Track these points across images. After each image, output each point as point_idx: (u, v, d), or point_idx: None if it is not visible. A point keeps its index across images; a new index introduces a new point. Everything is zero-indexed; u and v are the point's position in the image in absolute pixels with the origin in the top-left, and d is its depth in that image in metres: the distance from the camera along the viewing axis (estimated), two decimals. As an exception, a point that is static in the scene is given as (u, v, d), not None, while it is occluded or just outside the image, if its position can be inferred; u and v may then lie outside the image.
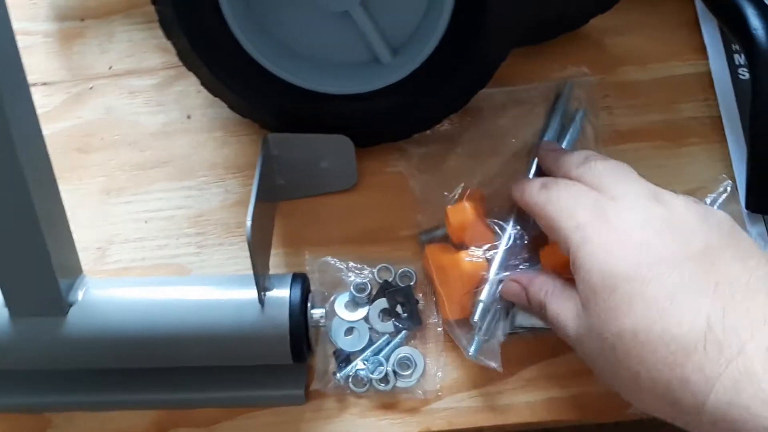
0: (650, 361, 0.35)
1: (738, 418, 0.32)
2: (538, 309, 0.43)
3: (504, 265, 0.46)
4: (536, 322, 0.45)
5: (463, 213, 0.48)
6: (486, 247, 0.47)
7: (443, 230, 0.49)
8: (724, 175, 0.50)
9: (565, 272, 0.45)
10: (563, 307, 0.40)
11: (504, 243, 0.47)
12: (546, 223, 0.42)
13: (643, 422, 0.47)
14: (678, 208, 0.39)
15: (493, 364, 0.45)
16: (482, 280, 0.47)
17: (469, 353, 0.46)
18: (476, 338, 0.46)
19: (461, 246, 0.48)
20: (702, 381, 0.33)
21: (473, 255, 0.46)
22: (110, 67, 0.56)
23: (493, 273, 0.46)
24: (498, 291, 0.46)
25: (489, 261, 0.47)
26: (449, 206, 0.49)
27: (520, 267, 0.47)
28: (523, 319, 0.46)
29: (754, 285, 0.35)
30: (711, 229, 0.38)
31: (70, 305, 0.44)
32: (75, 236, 0.50)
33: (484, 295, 0.45)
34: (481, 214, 0.49)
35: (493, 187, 0.51)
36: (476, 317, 0.45)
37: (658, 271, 0.36)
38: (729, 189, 0.49)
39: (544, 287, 0.42)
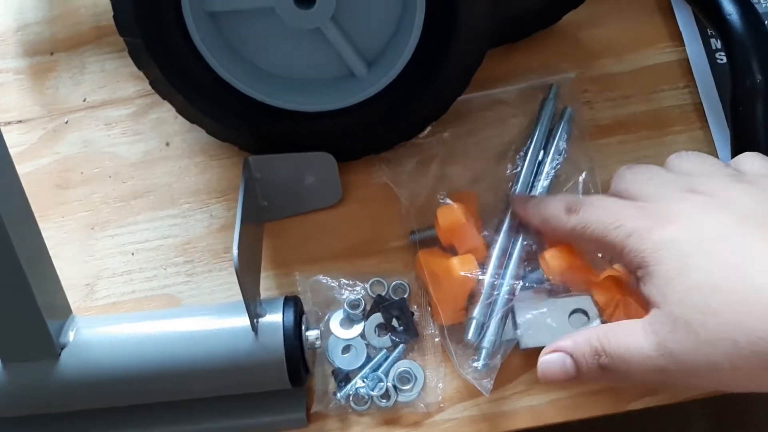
0: (745, 323, 0.34)
1: None
2: (594, 363, 0.38)
3: (496, 273, 0.46)
4: (543, 341, 0.44)
5: (452, 215, 0.48)
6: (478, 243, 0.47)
7: (432, 231, 0.49)
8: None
9: (571, 276, 0.46)
10: (627, 336, 0.38)
11: (496, 251, 0.47)
12: (593, 247, 0.42)
13: (646, 412, 0.47)
14: (717, 190, 0.38)
15: (483, 389, 0.45)
16: (475, 286, 0.47)
17: (465, 374, 0.46)
18: (479, 361, 0.45)
19: (451, 248, 0.48)
20: None
21: (465, 264, 0.46)
22: (84, 100, 0.55)
23: (486, 286, 0.46)
24: (512, 339, 0.45)
25: (481, 267, 0.47)
26: (439, 208, 0.48)
27: (517, 272, 0.47)
28: (530, 340, 0.45)
29: None
30: (758, 199, 0.38)
31: (62, 347, 0.43)
32: (62, 274, 0.50)
33: (476, 312, 0.45)
34: (474, 214, 0.49)
35: (480, 189, 0.51)
36: (470, 335, 0.45)
37: (725, 239, 0.36)
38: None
39: (592, 334, 0.39)
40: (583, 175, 0.49)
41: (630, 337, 0.38)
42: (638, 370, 0.37)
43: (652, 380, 0.39)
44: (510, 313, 0.46)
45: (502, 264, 0.47)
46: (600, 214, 0.41)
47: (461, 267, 0.46)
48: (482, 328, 0.46)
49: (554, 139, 0.51)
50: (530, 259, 0.47)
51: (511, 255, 0.47)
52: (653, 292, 0.37)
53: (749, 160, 0.42)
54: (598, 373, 0.39)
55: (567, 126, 0.51)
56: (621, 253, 0.39)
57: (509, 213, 0.48)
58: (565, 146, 0.51)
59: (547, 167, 0.50)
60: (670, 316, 0.36)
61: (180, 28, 0.44)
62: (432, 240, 0.49)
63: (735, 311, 0.34)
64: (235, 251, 0.40)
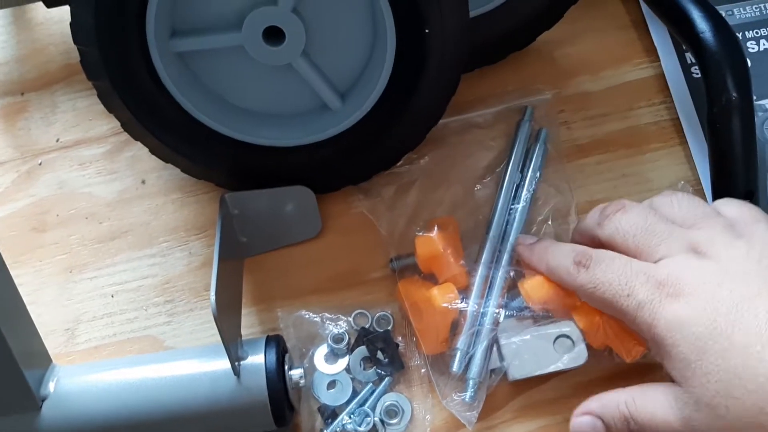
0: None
1: None
2: (625, 427, 0.40)
3: (478, 302, 0.46)
4: (530, 372, 0.45)
5: (430, 244, 0.47)
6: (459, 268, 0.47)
7: (413, 258, 0.49)
8: (682, 182, 0.50)
9: (551, 303, 0.45)
10: (652, 404, 0.39)
11: (477, 280, 0.47)
12: (602, 306, 0.42)
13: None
14: (721, 251, 0.39)
15: (467, 422, 0.45)
16: (458, 315, 0.46)
17: (449, 406, 0.45)
18: (467, 392, 0.45)
19: (431, 276, 0.48)
20: None
21: (446, 294, 0.46)
22: (57, 140, 0.54)
23: (469, 316, 0.45)
24: (476, 337, 0.45)
25: (463, 294, 0.47)
26: (417, 237, 0.48)
27: (498, 301, 0.46)
28: (517, 371, 0.45)
29: None
30: (760, 258, 0.38)
31: (43, 399, 0.43)
32: (41, 319, 0.50)
33: (460, 342, 0.45)
34: (454, 241, 0.48)
35: (459, 215, 0.50)
36: (455, 366, 0.45)
37: (735, 318, 0.37)
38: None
39: (621, 398, 0.40)
40: (559, 198, 0.49)
41: (657, 406, 0.39)
42: None
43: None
44: (494, 342, 0.46)
45: (484, 293, 0.47)
46: (610, 277, 0.41)
47: (441, 297, 0.46)
48: (467, 359, 0.45)
49: (531, 161, 0.50)
50: (511, 287, 0.47)
51: (492, 283, 0.47)
52: (673, 369, 0.38)
53: (730, 207, 0.42)
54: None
55: (543, 147, 0.51)
56: (632, 321, 0.40)
57: (488, 240, 0.48)
58: (540, 168, 0.50)
59: (524, 191, 0.50)
60: (693, 396, 0.37)
61: (148, 69, 0.43)
62: (412, 267, 0.49)
63: (758, 398, 0.35)
64: (212, 298, 0.40)
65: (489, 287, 0.47)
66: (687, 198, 0.43)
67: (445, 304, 0.45)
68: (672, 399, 0.38)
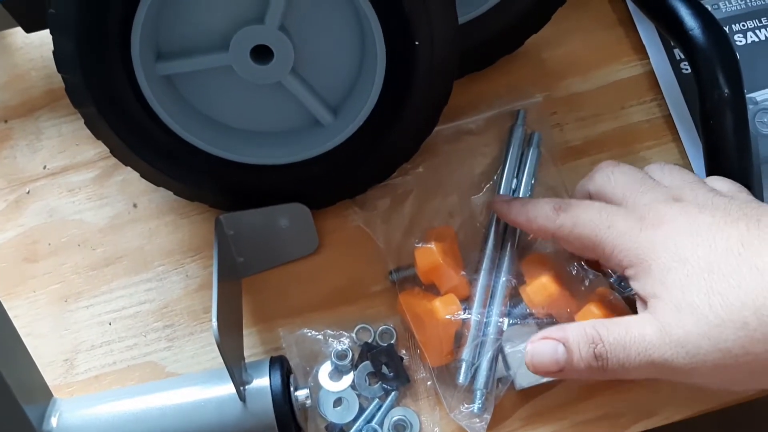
0: (753, 302, 0.34)
1: None
2: (588, 351, 0.37)
3: (480, 311, 0.46)
4: (537, 380, 0.44)
5: (430, 255, 0.47)
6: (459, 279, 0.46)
7: (412, 270, 0.48)
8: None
9: (554, 307, 0.45)
10: (627, 321, 0.37)
11: (478, 289, 0.46)
12: (579, 244, 0.41)
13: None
14: (704, 201, 0.39)
15: None
16: (461, 325, 0.46)
17: (456, 418, 0.45)
18: (475, 404, 0.45)
19: (432, 287, 0.48)
20: None
21: (448, 306, 0.45)
22: (45, 167, 0.53)
23: (473, 326, 0.45)
24: (493, 350, 0.45)
25: (464, 304, 0.46)
26: (417, 249, 0.48)
27: (501, 309, 0.46)
28: (524, 380, 0.45)
29: None
30: (741, 206, 0.38)
31: (46, 435, 0.42)
32: (38, 351, 0.49)
33: (465, 353, 0.45)
34: (453, 251, 0.48)
35: (457, 224, 0.50)
36: (461, 378, 0.45)
37: (716, 231, 0.36)
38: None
39: (589, 323, 0.38)
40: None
41: (630, 325, 0.37)
42: (637, 361, 0.36)
43: (650, 374, 0.37)
44: (499, 352, 0.45)
45: (486, 301, 0.47)
46: (591, 214, 0.40)
47: (444, 309, 0.45)
48: (473, 370, 0.45)
49: (525, 165, 0.50)
50: (512, 295, 0.47)
51: (493, 292, 0.47)
52: (650, 284, 0.37)
53: (720, 182, 0.42)
54: (591, 362, 0.37)
55: (537, 151, 0.50)
56: (611, 252, 0.39)
57: (487, 249, 0.48)
58: (535, 172, 0.50)
59: (521, 196, 0.49)
60: (672, 302, 0.36)
61: (135, 93, 0.43)
62: (412, 278, 0.48)
63: (741, 293, 0.34)
64: (214, 324, 0.39)
65: (491, 296, 0.47)
66: (678, 168, 0.43)
67: (448, 316, 0.45)
68: (648, 315, 0.37)
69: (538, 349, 0.39)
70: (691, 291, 0.35)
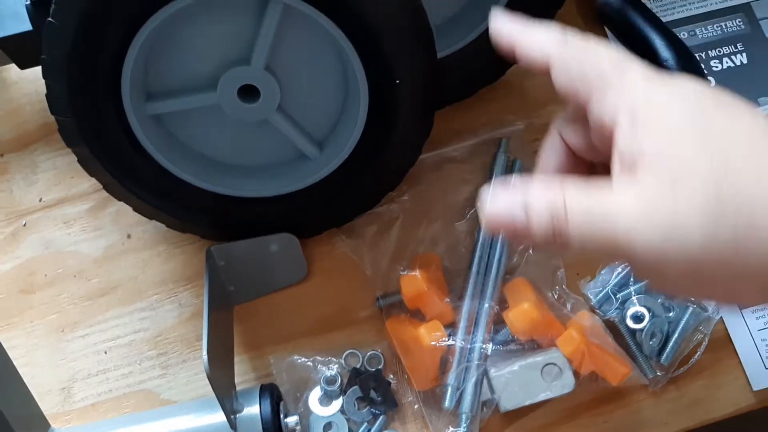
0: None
1: None
2: (551, 221, 0.29)
3: (465, 338, 0.47)
4: (521, 402, 0.46)
5: (415, 283, 0.49)
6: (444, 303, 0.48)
7: (398, 296, 0.50)
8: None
9: (536, 332, 0.47)
10: (599, 189, 0.29)
11: (463, 315, 0.48)
12: (578, 71, 0.32)
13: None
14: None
15: None
16: (446, 351, 0.47)
17: None
18: (461, 428, 0.46)
19: (418, 313, 0.49)
20: None
21: (433, 332, 0.47)
22: (40, 200, 0.55)
23: (458, 352, 0.46)
24: (466, 365, 0.46)
25: (450, 330, 0.48)
26: (402, 276, 0.49)
27: (485, 335, 0.47)
28: (508, 402, 0.46)
29: None
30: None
31: (43, 465, 0.43)
32: (36, 381, 0.50)
33: (451, 378, 0.46)
34: (438, 278, 0.50)
35: (441, 251, 0.51)
36: (446, 402, 0.46)
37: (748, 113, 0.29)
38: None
39: (557, 184, 0.30)
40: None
41: (604, 190, 0.29)
42: (600, 240, 0.28)
43: (611, 255, 0.29)
44: (484, 376, 0.47)
45: (471, 328, 0.48)
46: (597, 47, 0.32)
47: (429, 335, 0.47)
48: (458, 394, 0.46)
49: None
50: (496, 321, 0.48)
51: (478, 318, 0.48)
52: (648, 137, 0.28)
53: None
54: (549, 238, 0.30)
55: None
56: (615, 92, 0.30)
57: (471, 275, 0.49)
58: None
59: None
60: (670, 167, 0.28)
61: (126, 133, 0.44)
62: (399, 304, 0.50)
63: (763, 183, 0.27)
64: (204, 357, 0.40)
65: (475, 322, 0.48)
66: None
67: (433, 342, 0.47)
68: (626, 181, 0.29)
69: (495, 209, 0.31)
70: (698, 159, 0.27)
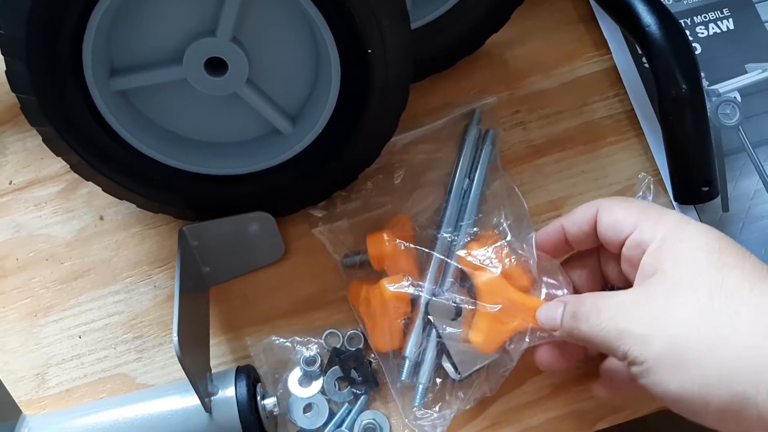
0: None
1: None
2: (584, 317, 0.39)
3: (428, 303, 0.46)
4: (476, 366, 0.45)
5: (381, 242, 0.47)
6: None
7: (365, 256, 0.48)
8: (643, 173, 0.49)
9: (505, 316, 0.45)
10: (620, 296, 0.38)
11: (430, 269, 0.47)
12: (623, 213, 0.41)
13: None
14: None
15: None
16: (409, 311, 0.46)
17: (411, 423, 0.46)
18: (416, 400, 0.46)
19: (383, 273, 0.48)
20: None
21: (395, 282, 0.46)
22: (10, 182, 0.53)
23: (421, 310, 0.46)
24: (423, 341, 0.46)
25: (414, 287, 0.47)
26: (369, 235, 0.48)
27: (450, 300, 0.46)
28: (465, 367, 0.45)
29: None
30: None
31: (14, 452, 0.42)
32: (9, 367, 0.49)
33: (408, 351, 0.45)
34: (406, 236, 0.48)
35: (417, 223, 0.50)
36: (404, 376, 0.46)
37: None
38: (651, 185, 0.48)
39: (589, 295, 0.40)
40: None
41: (622, 296, 0.38)
42: (613, 331, 0.37)
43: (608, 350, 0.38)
44: (442, 347, 0.46)
45: (437, 278, 0.47)
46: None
47: (391, 284, 0.46)
48: (414, 366, 0.46)
49: (479, 161, 0.50)
50: (463, 278, 0.47)
51: (445, 271, 0.47)
52: (669, 257, 0.37)
53: None
54: (576, 326, 0.39)
55: (489, 148, 0.51)
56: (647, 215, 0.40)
57: (439, 239, 0.48)
58: (489, 167, 0.50)
59: (472, 193, 0.50)
60: (676, 279, 0.36)
61: (90, 110, 0.43)
62: (365, 264, 0.48)
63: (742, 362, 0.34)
64: (174, 339, 0.39)
65: (442, 276, 0.47)
66: None
67: (393, 287, 0.45)
68: (639, 292, 0.38)
69: (546, 308, 0.42)
70: (700, 275, 0.36)
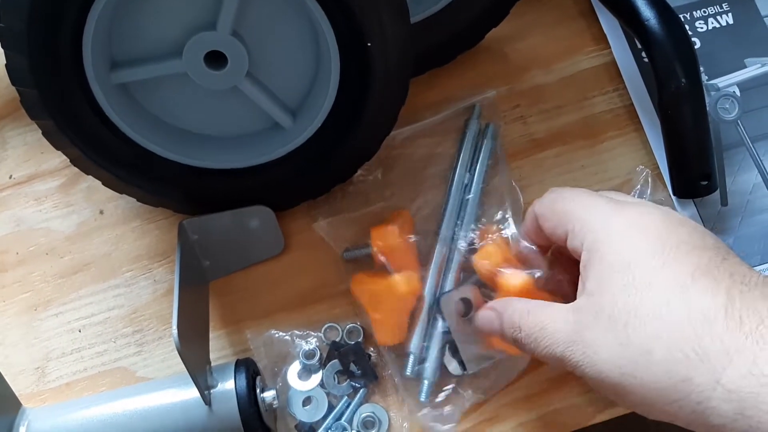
0: (668, 336, 0.34)
1: (755, 389, 0.31)
2: (511, 333, 0.40)
3: (439, 298, 0.46)
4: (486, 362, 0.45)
5: (387, 236, 0.47)
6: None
7: (367, 249, 0.48)
8: (641, 167, 0.50)
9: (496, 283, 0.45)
10: (546, 317, 0.39)
11: (432, 267, 0.47)
12: (555, 218, 0.41)
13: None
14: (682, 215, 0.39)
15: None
16: (415, 307, 0.47)
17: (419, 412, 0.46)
18: (422, 394, 0.46)
19: (384, 268, 0.48)
20: (721, 353, 0.32)
21: (408, 281, 0.46)
22: (10, 176, 0.53)
23: (424, 314, 0.46)
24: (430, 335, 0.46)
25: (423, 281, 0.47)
26: (373, 229, 0.48)
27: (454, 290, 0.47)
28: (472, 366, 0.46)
29: (765, 280, 0.35)
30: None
31: (14, 445, 0.43)
32: (9, 360, 0.49)
33: (413, 346, 0.46)
34: (408, 230, 0.48)
35: (418, 218, 0.50)
36: (408, 370, 0.46)
37: (679, 253, 0.35)
38: (649, 179, 0.49)
39: (519, 308, 0.41)
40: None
41: (550, 320, 0.38)
42: (545, 353, 0.38)
43: (557, 366, 0.39)
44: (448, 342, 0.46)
45: (439, 278, 0.48)
46: (577, 194, 0.41)
47: (405, 283, 0.46)
48: (419, 361, 0.46)
49: (479, 156, 0.50)
50: (464, 268, 0.48)
51: (448, 266, 0.48)
52: (591, 280, 0.37)
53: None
54: (514, 342, 0.41)
55: (491, 143, 0.51)
56: (580, 228, 0.39)
57: (439, 242, 0.49)
58: (489, 163, 0.50)
59: (473, 188, 0.50)
60: (597, 306, 0.36)
61: (90, 104, 0.43)
62: (365, 258, 0.49)
63: (658, 328, 0.34)
64: (174, 332, 0.39)
65: (444, 271, 0.48)
66: None
67: (406, 283, 0.46)
68: (569, 313, 0.38)
69: (483, 317, 0.43)
70: (617, 304, 0.35)
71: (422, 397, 0.46)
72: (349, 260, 0.49)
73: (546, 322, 0.38)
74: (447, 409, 0.45)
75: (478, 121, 0.51)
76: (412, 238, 0.48)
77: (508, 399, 0.47)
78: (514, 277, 0.44)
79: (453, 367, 0.46)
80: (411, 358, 0.46)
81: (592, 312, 0.36)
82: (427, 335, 0.47)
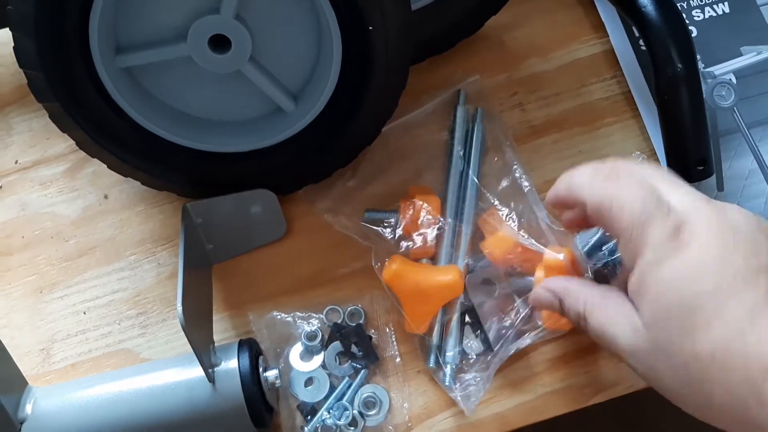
0: (727, 381, 0.33)
1: None
2: (576, 320, 0.40)
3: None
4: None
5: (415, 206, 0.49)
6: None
7: (390, 215, 0.49)
8: (638, 152, 0.50)
9: (511, 260, 0.47)
10: (611, 320, 0.38)
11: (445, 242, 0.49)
12: (611, 227, 0.38)
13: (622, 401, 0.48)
14: (734, 214, 0.37)
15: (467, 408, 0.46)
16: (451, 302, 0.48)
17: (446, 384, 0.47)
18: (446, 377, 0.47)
19: (408, 238, 0.49)
20: None
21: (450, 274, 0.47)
22: (16, 162, 0.54)
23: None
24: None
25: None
26: (402, 200, 0.49)
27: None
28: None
29: None
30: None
31: (22, 422, 0.43)
32: (15, 342, 0.50)
33: (435, 338, 0.47)
34: (436, 209, 0.49)
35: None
36: (431, 362, 0.47)
37: (736, 288, 0.34)
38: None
39: (582, 297, 0.40)
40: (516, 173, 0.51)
41: (616, 325, 0.38)
42: (608, 348, 0.39)
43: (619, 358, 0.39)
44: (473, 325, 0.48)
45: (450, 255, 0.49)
46: (633, 196, 0.38)
47: (450, 277, 0.47)
48: (440, 352, 0.47)
49: (472, 140, 0.51)
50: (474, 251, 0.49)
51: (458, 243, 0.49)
52: (651, 310, 0.36)
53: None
54: (581, 327, 0.40)
55: (481, 126, 0.52)
56: (631, 258, 0.37)
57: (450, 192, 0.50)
58: (482, 146, 0.51)
59: (470, 171, 0.50)
60: (655, 339, 0.36)
61: (96, 87, 0.43)
62: (383, 221, 0.49)
63: (722, 370, 0.34)
64: (179, 309, 0.40)
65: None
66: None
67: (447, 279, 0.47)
68: (634, 327, 0.37)
69: (541, 295, 0.43)
70: (674, 343, 0.35)
71: (446, 382, 0.47)
72: (368, 222, 0.49)
73: (610, 325, 0.38)
74: (474, 385, 0.47)
75: (464, 106, 0.52)
76: (442, 220, 0.49)
77: (504, 381, 0.48)
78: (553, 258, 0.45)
79: (475, 345, 0.47)
80: (433, 350, 0.47)
81: (651, 343, 0.36)
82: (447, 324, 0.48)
